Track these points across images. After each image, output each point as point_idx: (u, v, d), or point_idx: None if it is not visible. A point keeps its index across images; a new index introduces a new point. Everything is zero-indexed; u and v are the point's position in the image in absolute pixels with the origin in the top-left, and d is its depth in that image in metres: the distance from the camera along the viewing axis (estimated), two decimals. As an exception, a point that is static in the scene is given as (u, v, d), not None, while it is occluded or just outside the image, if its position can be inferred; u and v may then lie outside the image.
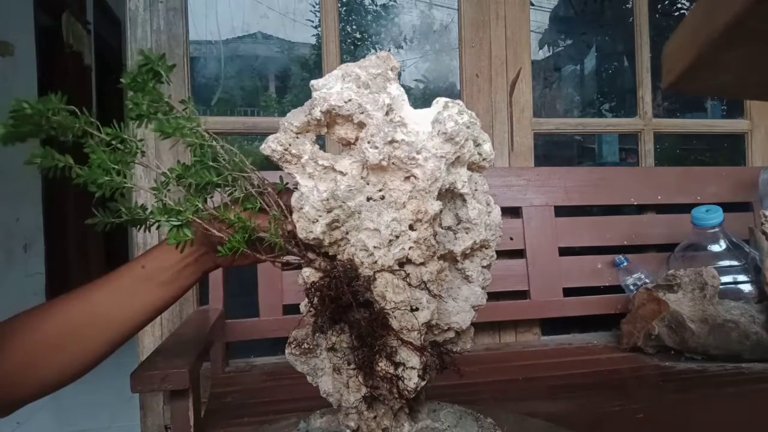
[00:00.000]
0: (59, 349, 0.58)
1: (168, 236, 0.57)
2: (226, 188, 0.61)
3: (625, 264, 1.43)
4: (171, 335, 1.00)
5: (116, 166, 0.54)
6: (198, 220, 0.57)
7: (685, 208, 1.45)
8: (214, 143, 0.58)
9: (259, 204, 0.59)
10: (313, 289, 0.56)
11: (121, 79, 0.55)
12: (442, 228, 0.60)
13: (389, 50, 0.84)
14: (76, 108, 0.53)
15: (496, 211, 0.62)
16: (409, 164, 0.53)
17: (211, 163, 0.59)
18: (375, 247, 0.54)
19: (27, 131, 0.50)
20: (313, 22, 2.54)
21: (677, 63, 0.36)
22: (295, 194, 0.58)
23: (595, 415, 0.89)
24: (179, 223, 0.57)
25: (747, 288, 1.25)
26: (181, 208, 0.57)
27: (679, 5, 3.15)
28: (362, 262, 0.54)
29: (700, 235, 1.34)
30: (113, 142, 0.55)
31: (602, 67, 3.29)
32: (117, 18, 4.40)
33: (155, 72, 0.55)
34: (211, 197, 0.61)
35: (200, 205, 0.57)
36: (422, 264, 0.55)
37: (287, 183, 0.63)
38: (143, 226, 0.60)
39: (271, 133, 0.58)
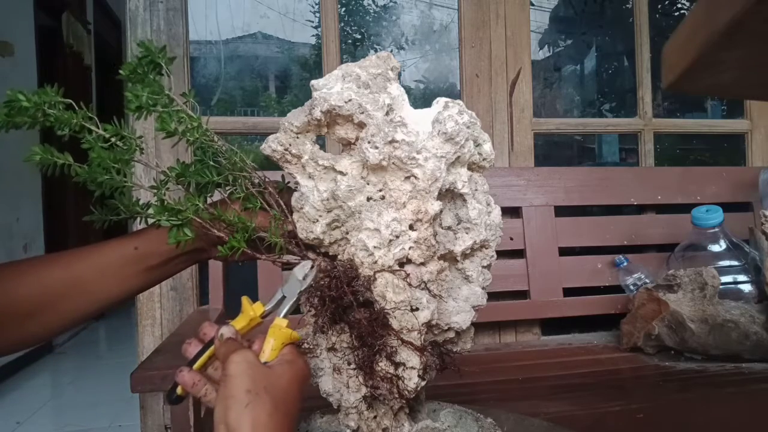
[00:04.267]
0: (30, 316, 0.55)
1: (168, 236, 0.57)
2: (227, 187, 0.61)
3: (625, 264, 1.43)
4: (171, 335, 1.00)
5: (116, 165, 0.54)
6: (198, 219, 0.57)
7: (685, 208, 1.45)
8: (215, 141, 0.58)
9: (260, 203, 0.59)
10: (313, 289, 0.56)
11: (120, 71, 0.53)
12: (442, 228, 0.60)
13: (389, 50, 0.84)
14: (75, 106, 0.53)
15: (496, 211, 0.62)
16: (409, 164, 0.53)
17: (211, 163, 0.59)
18: (375, 247, 0.54)
19: (22, 121, 0.49)
20: (313, 22, 2.54)
21: (677, 63, 0.36)
22: (295, 194, 0.58)
23: (595, 415, 0.89)
24: (179, 222, 0.57)
25: (747, 288, 1.25)
26: (182, 207, 0.57)
27: (679, 5, 3.15)
28: (362, 262, 0.54)
29: (700, 235, 1.34)
30: (112, 139, 0.54)
31: (602, 67, 3.29)
32: (117, 18, 4.40)
33: (155, 64, 0.54)
34: (211, 196, 0.61)
35: (200, 205, 0.57)
36: (422, 264, 0.55)
37: (288, 182, 0.63)
38: (142, 220, 0.60)
39: (271, 133, 0.58)
